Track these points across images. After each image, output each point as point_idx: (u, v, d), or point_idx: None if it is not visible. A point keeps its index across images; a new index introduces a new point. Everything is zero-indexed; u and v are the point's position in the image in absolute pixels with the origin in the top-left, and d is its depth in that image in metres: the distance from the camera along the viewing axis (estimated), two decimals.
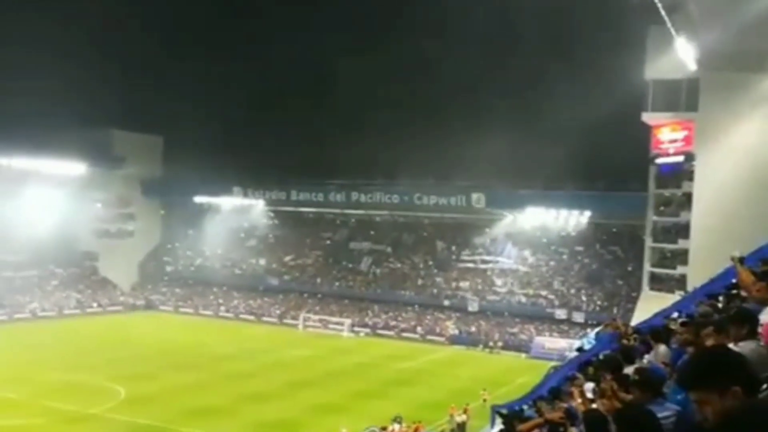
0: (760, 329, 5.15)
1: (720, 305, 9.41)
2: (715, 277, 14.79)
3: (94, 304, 75.64)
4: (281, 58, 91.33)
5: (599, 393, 7.78)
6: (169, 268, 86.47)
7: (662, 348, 8.39)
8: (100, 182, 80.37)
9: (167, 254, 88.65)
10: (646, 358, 8.54)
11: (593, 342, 22.08)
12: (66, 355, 50.00)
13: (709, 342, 5.71)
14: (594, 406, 7.29)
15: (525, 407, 17.03)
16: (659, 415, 3.74)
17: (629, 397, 5.83)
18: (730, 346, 4.36)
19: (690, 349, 6.67)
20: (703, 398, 2.61)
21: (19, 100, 70.17)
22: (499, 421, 17.87)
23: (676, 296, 34.78)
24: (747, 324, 5.01)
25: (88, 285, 79.17)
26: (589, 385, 9.27)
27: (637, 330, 14.37)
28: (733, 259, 8.07)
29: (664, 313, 14.68)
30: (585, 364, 15.03)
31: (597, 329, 26.91)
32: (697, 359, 3.01)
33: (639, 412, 3.61)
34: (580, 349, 22.46)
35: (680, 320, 9.19)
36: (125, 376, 43.40)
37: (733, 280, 10.62)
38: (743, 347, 4.64)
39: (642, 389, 5.38)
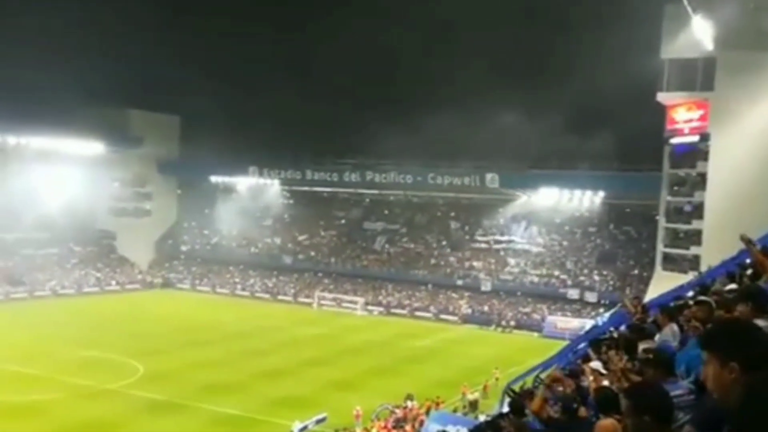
0: None
1: (733, 285, 9.47)
2: (729, 258, 14.90)
3: (113, 282, 76.52)
4: (298, 38, 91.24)
5: (610, 373, 7.89)
6: (185, 247, 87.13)
7: (674, 326, 8.43)
8: (118, 161, 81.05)
9: (184, 233, 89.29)
10: (657, 336, 8.61)
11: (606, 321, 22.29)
12: (85, 332, 50.75)
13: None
14: (605, 383, 7.37)
15: (539, 379, 17.22)
16: (672, 393, 3.78)
17: (638, 378, 5.91)
18: None
19: (698, 326, 6.79)
20: (707, 360, 2.81)
21: (37, 80, 70.52)
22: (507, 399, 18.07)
23: (689, 276, 34.84)
24: (750, 301, 5.09)
25: (106, 263, 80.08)
26: (599, 363, 9.39)
27: (646, 309, 14.46)
28: (743, 238, 8.12)
29: (676, 293, 14.80)
30: (596, 342, 15.21)
31: (613, 309, 27.11)
32: (718, 323, 3.21)
33: (651, 389, 3.64)
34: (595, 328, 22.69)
35: (694, 299, 9.28)
36: (143, 353, 44.07)
37: (747, 260, 10.72)
38: None
39: (655, 368, 5.49)
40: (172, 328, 54.35)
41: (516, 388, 18.31)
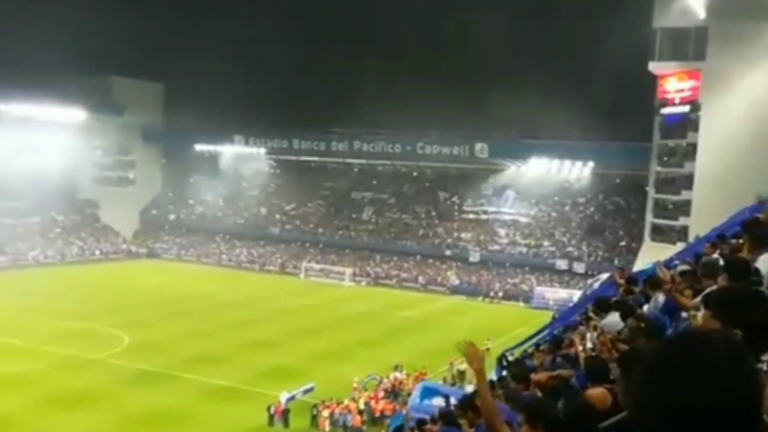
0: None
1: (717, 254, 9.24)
2: (717, 227, 14.66)
3: (97, 252, 75.99)
4: (283, 4, 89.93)
5: (598, 345, 7.71)
6: (170, 217, 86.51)
7: (660, 297, 8.33)
8: (101, 129, 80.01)
9: (169, 202, 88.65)
10: (645, 307, 8.49)
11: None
12: (69, 302, 50.29)
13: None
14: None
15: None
16: None
17: (626, 347, 5.78)
18: None
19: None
20: (706, 319, 2.83)
21: (18, 46, 69.15)
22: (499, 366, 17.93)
23: (677, 247, 34.82)
24: (735, 273, 4.89)
25: (90, 233, 79.40)
26: (592, 334, 9.22)
27: (630, 279, 14.21)
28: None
29: (664, 264, 14.53)
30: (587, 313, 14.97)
31: (602, 277, 26.97)
32: (726, 287, 3.14)
33: (642, 353, 3.47)
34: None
35: (680, 269, 9.06)
36: (128, 323, 43.69)
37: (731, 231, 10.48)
38: None
39: (647, 337, 5.32)
40: (158, 298, 53.96)
41: (510, 357, 18.20)
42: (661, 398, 1.25)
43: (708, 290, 4.64)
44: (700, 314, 3.86)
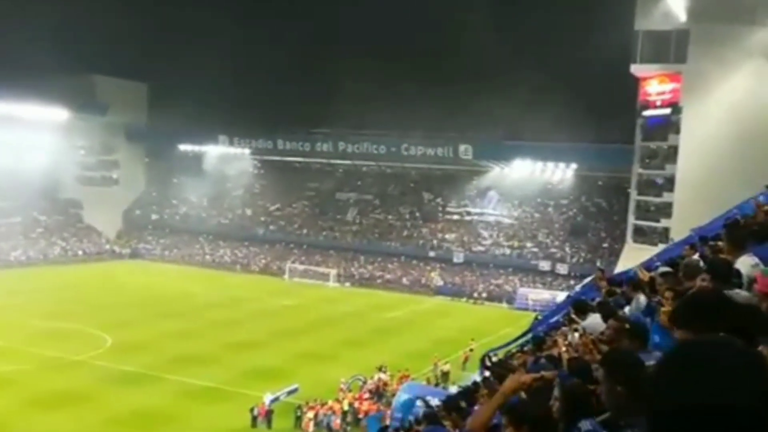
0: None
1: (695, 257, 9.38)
2: (696, 229, 14.84)
3: (79, 252, 75.46)
4: (269, 5, 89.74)
5: (581, 347, 7.79)
6: (154, 217, 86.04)
7: (641, 298, 8.44)
8: (84, 128, 79.49)
9: (152, 202, 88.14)
10: (627, 308, 8.58)
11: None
12: (52, 303, 49.92)
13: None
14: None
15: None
16: (646, 363, 3.72)
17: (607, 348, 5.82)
18: None
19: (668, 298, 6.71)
20: (684, 338, 2.60)
21: (0, 45, 68.45)
22: (482, 367, 18.03)
23: (658, 249, 35.11)
24: (718, 275, 4.97)
25: (72, 233, 78.78)
26: (573, 336, 9.31)
27: (613, 281, 14.36)
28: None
29: (645, 265, 14.71)
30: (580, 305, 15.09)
31: (586, 280, 27.09)
32: (690, 299, 3.03)
33: (627, 354, 3.57)
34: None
35: (660, 271, 9.19)
36: (111, 324, 43.48)
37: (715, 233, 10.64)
38: None
39: (631, 338, 5.38)
40: (141, 299, 53.69)
41: (494, 357, 18.31)
42: (675, 398, 1.28)
43: (670, 312, 4.59)
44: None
